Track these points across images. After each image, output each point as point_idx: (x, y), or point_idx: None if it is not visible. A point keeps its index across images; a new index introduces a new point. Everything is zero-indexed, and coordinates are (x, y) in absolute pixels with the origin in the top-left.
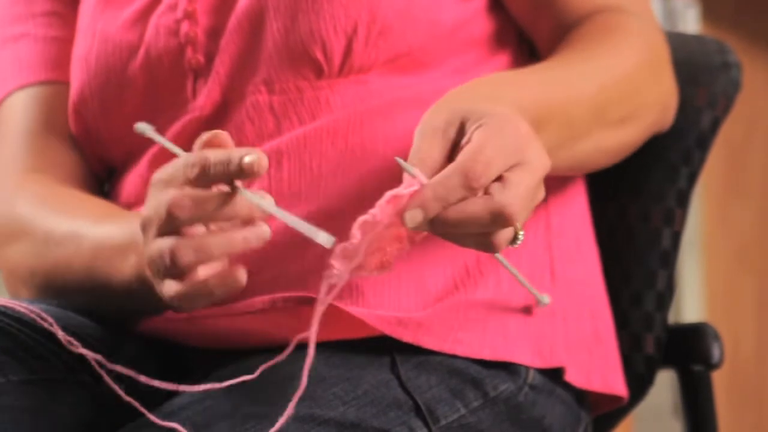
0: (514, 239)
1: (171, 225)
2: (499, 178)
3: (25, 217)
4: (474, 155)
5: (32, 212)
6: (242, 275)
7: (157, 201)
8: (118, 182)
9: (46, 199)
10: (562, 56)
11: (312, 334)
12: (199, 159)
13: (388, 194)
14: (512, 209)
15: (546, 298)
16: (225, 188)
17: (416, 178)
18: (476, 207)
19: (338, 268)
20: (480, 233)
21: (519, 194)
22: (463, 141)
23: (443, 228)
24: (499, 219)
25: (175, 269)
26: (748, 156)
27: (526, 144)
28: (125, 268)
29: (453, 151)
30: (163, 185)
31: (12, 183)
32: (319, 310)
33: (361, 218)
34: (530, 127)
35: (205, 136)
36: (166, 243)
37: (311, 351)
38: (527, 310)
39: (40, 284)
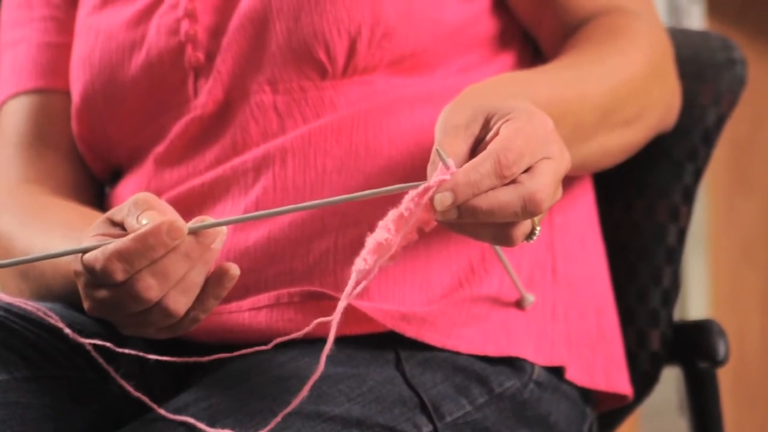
0: (531, 234)
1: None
2: (526, 170)
3: (7, 235)
4: (506, 144)
5: (13, 231)
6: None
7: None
8: (122, 183)
9: (32, 213)
10: (571, 58)
11: (333, 324)
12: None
13: (421, 186)
14: (542, 196)
15: (530, 297)
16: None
17: (449, 168)
18: (508, 194)
19: (371, 262)
20: (501, 225)
21: (547, 183)
22: (489, 136)
23: (473, 216)
24: (529, 206)
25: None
26: (754, 152)
27: (552, 139)
28: None
29: (475, 147)
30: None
31: (2, 193)
32: (342, 304)
33: (395, 212)
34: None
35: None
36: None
37: (331, 338)
38: (529, 309)
39: (29, 298)
